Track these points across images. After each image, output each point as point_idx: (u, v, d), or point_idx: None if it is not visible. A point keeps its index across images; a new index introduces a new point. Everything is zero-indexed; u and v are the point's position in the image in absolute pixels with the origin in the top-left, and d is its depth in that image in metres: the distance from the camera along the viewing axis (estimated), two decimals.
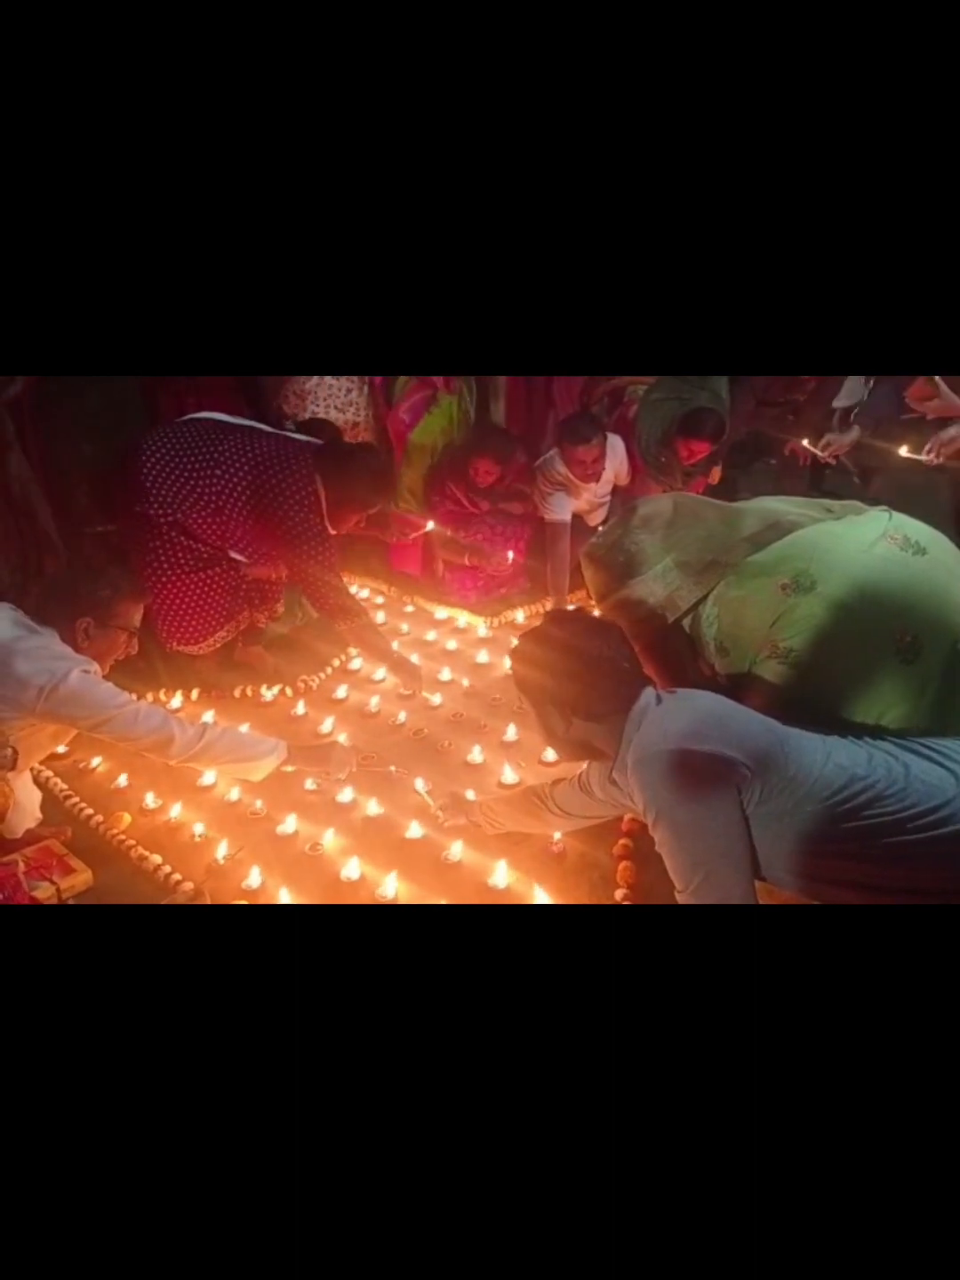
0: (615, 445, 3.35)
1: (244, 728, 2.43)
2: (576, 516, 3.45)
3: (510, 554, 3.45)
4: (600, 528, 3.54)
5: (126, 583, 2.03)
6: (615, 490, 3.51)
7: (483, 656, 3.10)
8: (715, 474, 3.65)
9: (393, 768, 2.39)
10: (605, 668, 1.36)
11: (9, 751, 1.83)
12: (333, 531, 2.62)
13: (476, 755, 2.44)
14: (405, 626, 3.38)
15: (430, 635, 3.26)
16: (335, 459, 2.59)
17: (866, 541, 1.41)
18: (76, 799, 2.26)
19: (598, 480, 3.33)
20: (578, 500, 3.41)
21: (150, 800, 2.25)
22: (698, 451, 3.26)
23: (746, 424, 3.78)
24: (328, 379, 3.35)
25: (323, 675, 2.97)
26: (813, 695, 1.38)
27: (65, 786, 2.32)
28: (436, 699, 2.80)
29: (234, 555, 2.66)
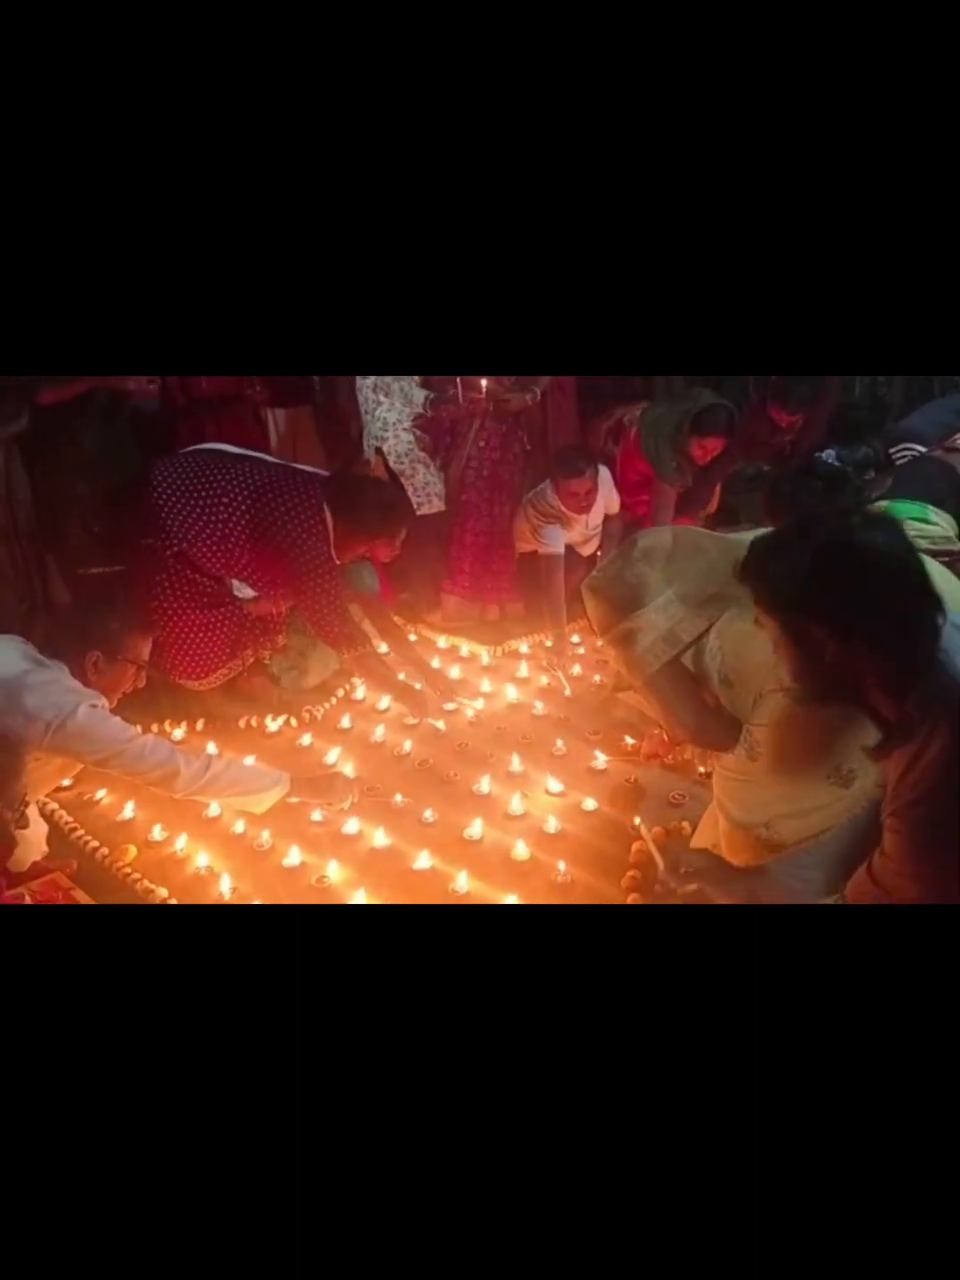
0: (604, 476, 3.40)
1: (249, 760, 2.43)
2: (569, 548, 3.49)
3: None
4: (595, 555, 3.59)
5: (135, 616, 2.05)
6: (606, 519, 3.55)
7: (486, 685, 3.11)
8: (714, 503, 3.70)
9: (399, 799, 2.39)
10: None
11: (21, 810, 1.85)
12: (338, 561, 2.64)
13: (484, 786, 2.44)
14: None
15: (434, 663, 3.27)
16: (345, 490, 2.62)
17: None
18: (82, 831, 2.25)
19: (589, 511, 3.36)
20: (570, 531, 3.44)
21: (157, 833, 2.24)
22: (712, 448, 3.41)
23: (742, 457, 3.82)
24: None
25: (327, 706, 2.97)
26: (822, 727, 1.38)
27: (70, 819, 2.32)
28: (440, 725, 2.80)
29: (239, 588, 2.67)
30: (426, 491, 3.55)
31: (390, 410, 3.48)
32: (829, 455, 3.48)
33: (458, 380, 3.43)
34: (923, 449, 3.07)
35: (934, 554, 1.71)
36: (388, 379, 3.44)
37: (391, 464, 3.47)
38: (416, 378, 3.49)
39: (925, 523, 2.42)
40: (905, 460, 3.09)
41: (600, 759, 2.53)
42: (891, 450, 3.12)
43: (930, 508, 2.50)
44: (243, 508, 2.56)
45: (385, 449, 3.46)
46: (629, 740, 2.60)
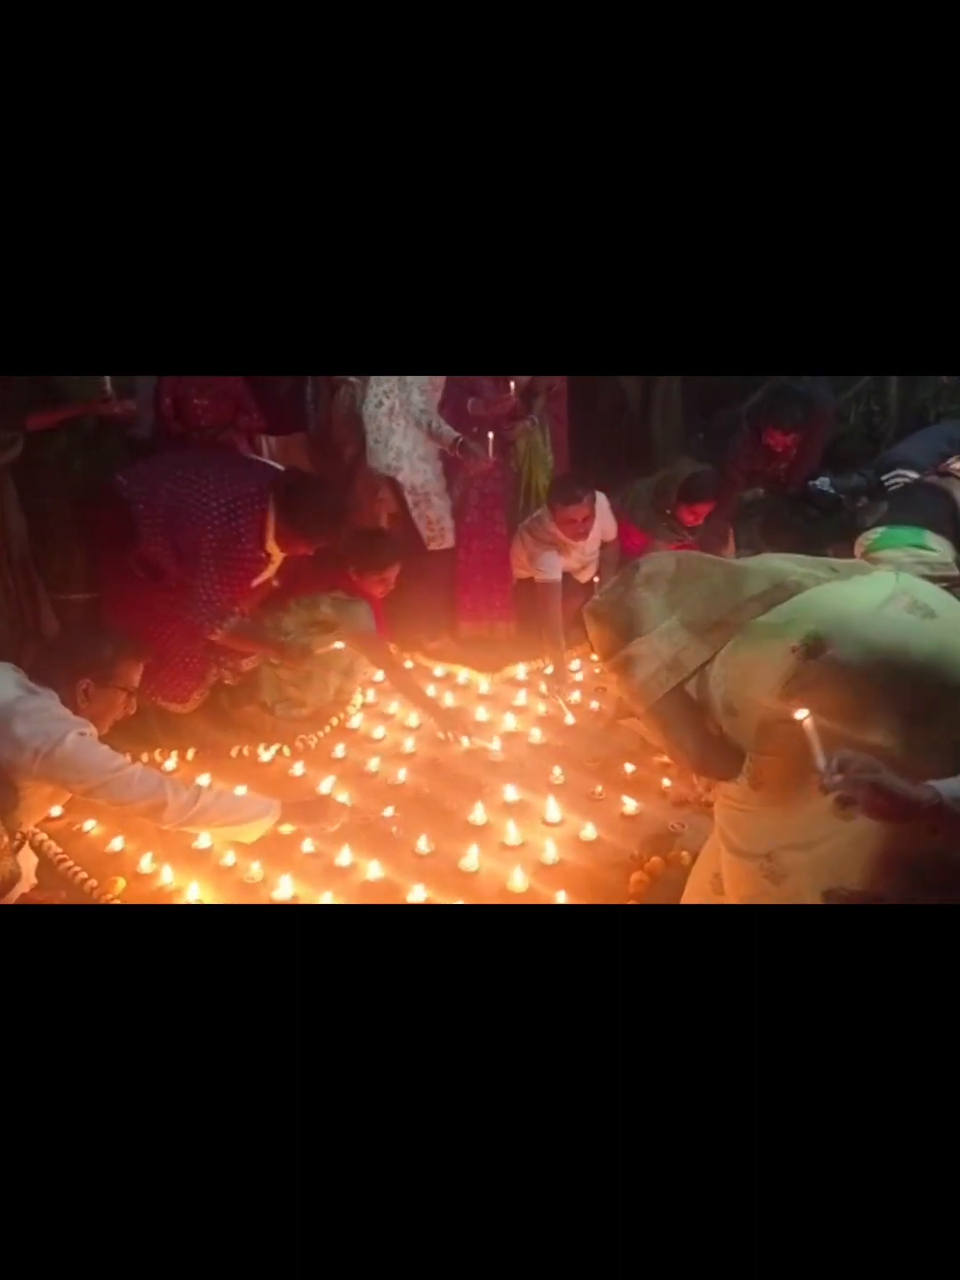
0: (601, 503, 3.40)
1: (240, 789, 2.39)
2: (567, 574, 3.49)
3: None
4: (593, 582, 3.59)
5: (127, 642, 2.03)
6: (603, 545, 3.55)
7: (482, 713, 3.08)
8: (730, 546, 3.75)
9: (389, 811, 2.38)
10: None
11: (19, 839, 1.82)
12: (282, 553, 2.66)
13: (479, 815, 2.40)
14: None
15: (429, 690, 3.24)
16: (291, 486, 2.61)
17: (876, 603, 1.39)
18: (71, 862, 2.21)
19: (587, 538, 3.36)
20: (568, 558, 3.44)
21: (146, 864, 2.20)
22: (701, 512, 3.44)
23: (744, 485, 3.85)
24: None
25: (321, 734, 2.93)
26: (824, 759, 1.36)
27: (59, 850, 2.27)
28: (409, 744, 2.83)
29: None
30: (439, 527, 3.44)
31: (405, 438, 3.28)
32: (823, 482, 3.50)
33: (490, 436, 3.36)
34: (916, 475, 3.08)
35: (933, 580, 1.70)
36: (398, 404, 3.26)
37: (406, 496, 3.34)
38: (424, 397, 3.30)
39: (923, 549, 2.42)
40: (898, 486, 3.10)
41: (632, 804, 2.46)
42: (884, 477, 3.13)
43: (927, 533, 2.50)
44: (192, 488, 2.57)
45: (400, 479, 3.32)
46: (666, 782, 2.57)
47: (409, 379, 3.25)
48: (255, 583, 2.67)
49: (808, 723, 1.19)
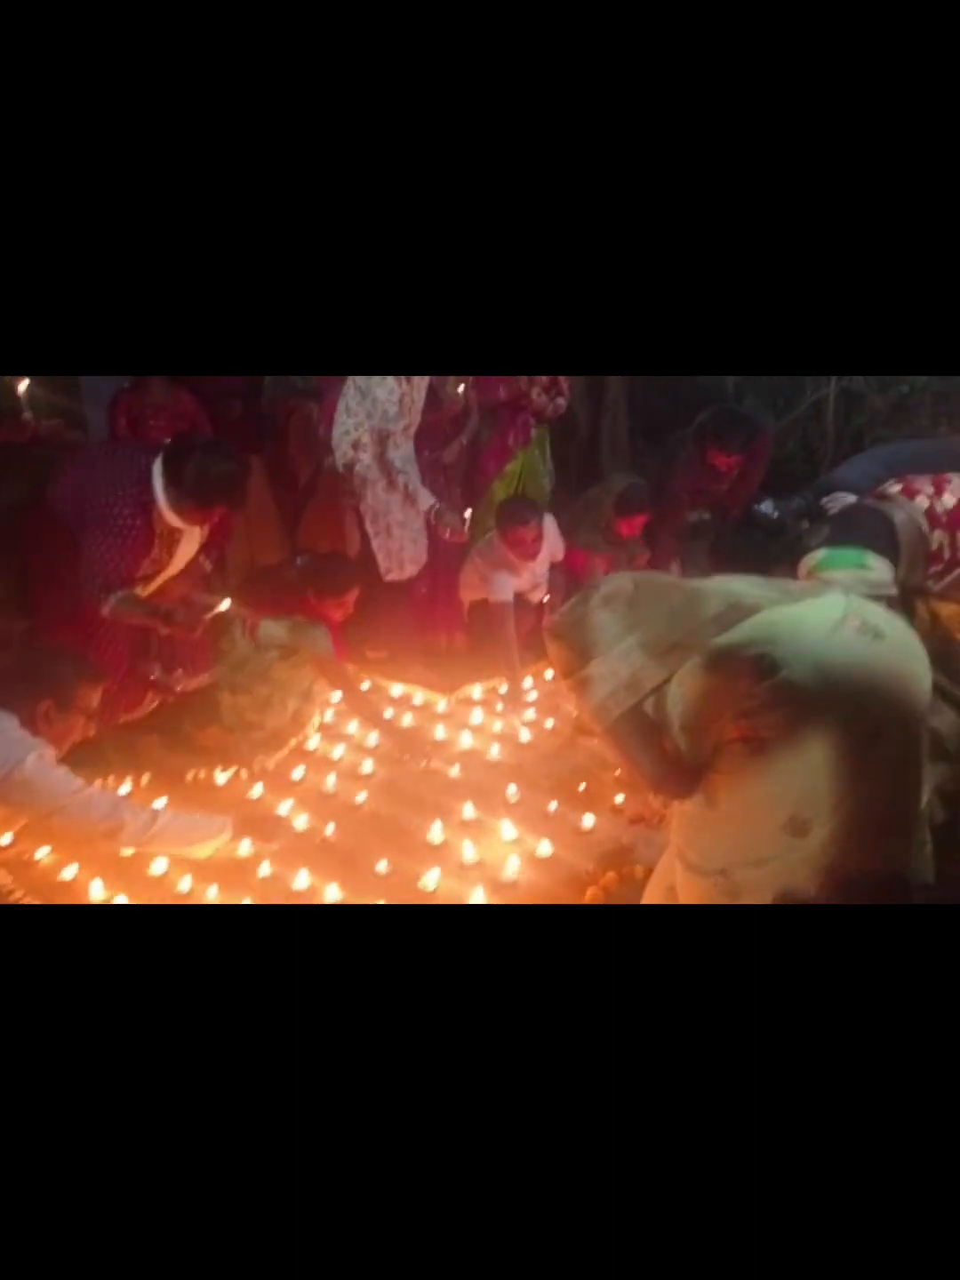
0: (549, 524, 3.47)
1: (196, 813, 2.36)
2: (518, 595, 3.54)
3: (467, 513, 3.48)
4: (543, 603, 3.65)
5: (86, 664, 2.01)
6: (552, 566, 3.62)
7: (440, 732, 3.10)
8: (676, 570, 3.87)
9: (330, 829, 2.42)
10: None
11: None
12: (187, 523, 2.56)
13: (436, 834, 2.41)
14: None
15: (388, 713, 3.25)
16: (175, 449, 2.51)
17: (828, 625, 1.43)
18: (21, 893, 2.15)
19: (536, 558, 3.42)
20: (519, 578, 3.49)
21: (96, 890, 2.15)
22: (638, 523, 3.64)
23: (688, 503, 3.96)
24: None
25: (280, 755, 2.92)
26: (777, 776, 1.40)
27: (9, 879, 2.21)
28: (367, 766, 2.85)
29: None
30: (398, 558, 3.40)
31: (370, 468, 3.24)
32: (766, 506, 3.61)
33: (467, 512, 3.44)
34: (855, 498, 3.20)
35: (874, 598, 1.77)
36: (365, 437, 3.19)
37: (366, 524, 3.32)
38: (402, 452, 3.26)
39: (864, 569, 2.51)
40: (837, 508, 3.21)
41: (589, 820, 2.49)
42: (824, 500, 3.24)
43: (868, 554, 2.60)
44: (89, 469, 2.54)
45: (362, 507, 3.30)
46: (619, 798, 2.61)
47: (389, 427, 3.19)
48: (152, 556, 2.56)
49: None
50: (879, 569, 2.53)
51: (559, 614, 1.67)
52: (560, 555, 3.62)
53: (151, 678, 2.79)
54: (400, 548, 3.40)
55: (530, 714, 3.26)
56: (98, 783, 2.58)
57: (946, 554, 2.48)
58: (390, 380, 3.13)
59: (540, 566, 3.54)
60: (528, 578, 3.54)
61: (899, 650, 1.45)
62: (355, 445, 3.18)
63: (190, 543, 2.65)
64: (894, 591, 2.35)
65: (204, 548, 2.78)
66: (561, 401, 3.93)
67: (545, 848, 2.33)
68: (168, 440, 2.63)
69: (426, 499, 3.35)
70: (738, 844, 1.50)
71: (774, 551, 3.38)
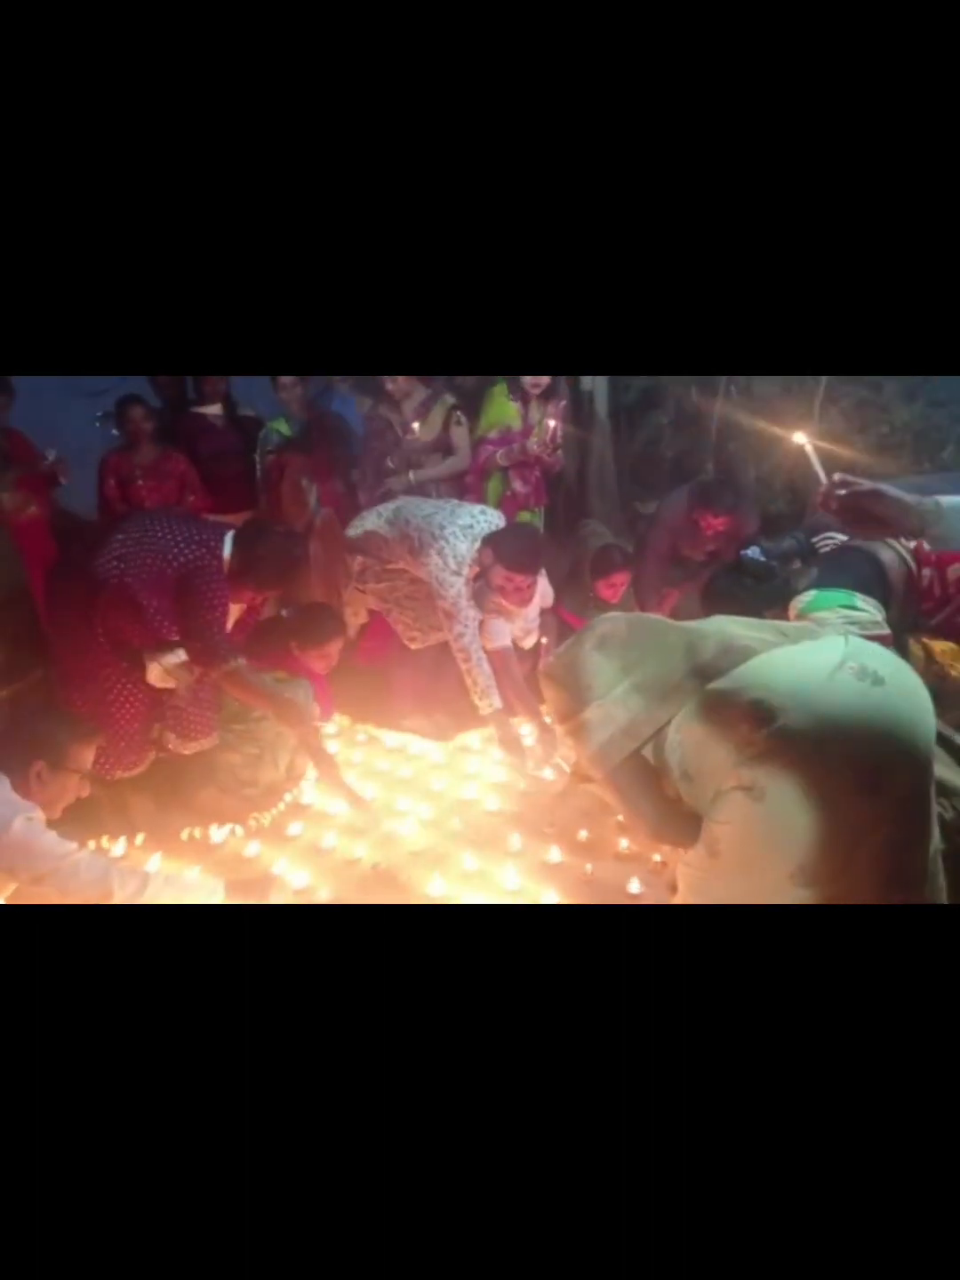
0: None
1: (194, 872, 2.33)
2: (512, 641, 3.53)
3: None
4: (538, 647, 3.65)
5: (80, 725, 2.00)
6: (543, 612, 3.63)
7: (439, 783, 3.06)
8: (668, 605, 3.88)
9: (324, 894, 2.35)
10: None
11: None
12: (236, 600, 2.64)
13: (438, 888, 2.37)
14: (358, 755, 3.34)
15: (383, 765, 3.21)
16: (257, 526, 2.64)
17: (826, 670, 1.40)
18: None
19: (529, 604, 3.43)
20: (512, 624, 3.49)
21: None
22: (618, 584, 3.66)
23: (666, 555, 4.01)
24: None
25: (275, 812, 2.88)
26: (782, 826, 1.37)
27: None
28: (336, 806, 2.82)
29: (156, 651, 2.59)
30: (413, 629, 3.47)
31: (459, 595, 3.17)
32: (754, 552, 3.64)
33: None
34: (844, 538, 3.23)
35: (870, 639, 1.77)
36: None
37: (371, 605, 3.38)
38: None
39: (854, 610, 2.52)
40: (827, 548, 3.24)
41: (587, 868, 2.46)
42: (814, 540, 3.27)
43: (857, 595, 2.61)
44: (149, 538, 2.56)
45: (366, 589, 3.35)
46: (623, 844, 2.57)
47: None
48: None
49: (809, 446, 1.21)
50: (868, 609, 2.54)
51: (554, 656, 1.66)
52: (550, 602, 3.63)
53: (168, 746, 2.78)
54: (416, 618, 3.47)
55: (531, 764, 3.23)
56: (91, 843, 2.55)
57: (937, 591, 2.49)
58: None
59: (532, 612, 3.54)
60: (520, 624, 3.54)
61: (899, 696, 1.42)
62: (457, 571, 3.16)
63: (232, 615, 2.72)
64: (886, 631, 2.36)
65: (239, 622, 2.81)
66: (560, 454, 4.03)
67: (551, 897, 2.29)
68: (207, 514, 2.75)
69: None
70: (745, 893, 1.45)
71: (765, 595, 3.40)
